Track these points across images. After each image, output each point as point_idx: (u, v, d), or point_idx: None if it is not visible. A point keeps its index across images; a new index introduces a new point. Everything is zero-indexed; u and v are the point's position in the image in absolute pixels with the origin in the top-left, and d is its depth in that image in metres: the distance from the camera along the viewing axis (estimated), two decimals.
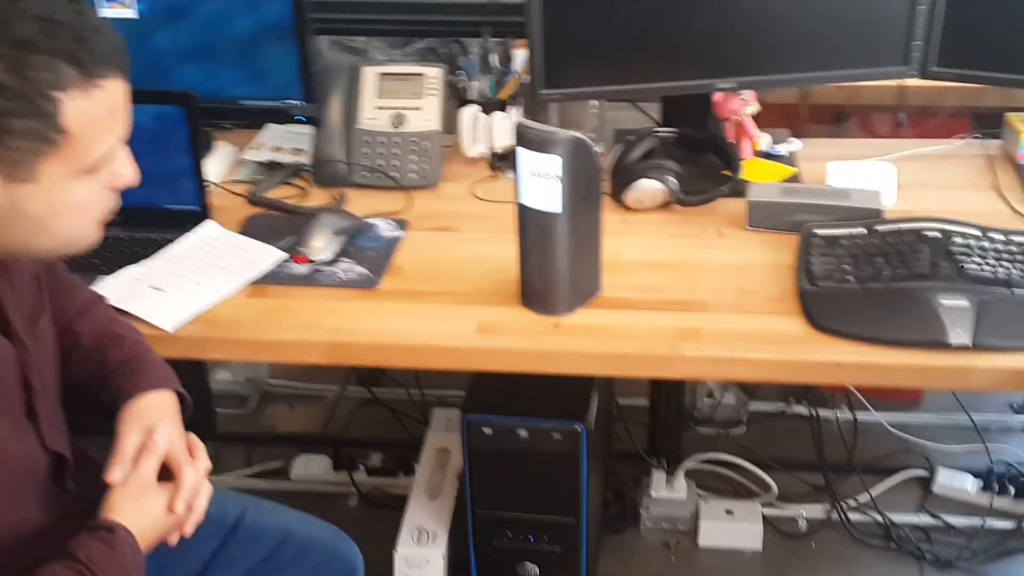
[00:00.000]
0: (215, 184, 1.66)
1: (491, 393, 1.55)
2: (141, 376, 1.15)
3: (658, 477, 2.03)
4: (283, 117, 1.65)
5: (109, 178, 0.97)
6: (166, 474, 1.08)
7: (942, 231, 1.39)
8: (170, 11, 1.58)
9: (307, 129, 1.68)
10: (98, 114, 0.91)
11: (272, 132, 1.79)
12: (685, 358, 1.26)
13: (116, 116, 0.94)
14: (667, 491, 2.01)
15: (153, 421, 1.10)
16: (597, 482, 1.74)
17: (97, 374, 1.17)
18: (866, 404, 2.16)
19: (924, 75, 1.58)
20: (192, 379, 2.24)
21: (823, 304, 1.31)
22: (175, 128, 1.47)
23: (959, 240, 1.37)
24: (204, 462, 1.11)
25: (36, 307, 1.10)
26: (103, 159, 0.94)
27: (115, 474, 1.04)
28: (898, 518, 2.00)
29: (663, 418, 2.10)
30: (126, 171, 0.99)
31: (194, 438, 1.13)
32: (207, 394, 2.31)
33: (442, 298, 1.38)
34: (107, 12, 1.58)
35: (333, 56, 1.87)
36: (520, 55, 1.70)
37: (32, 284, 1.10)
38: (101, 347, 1.19)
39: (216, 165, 1.70)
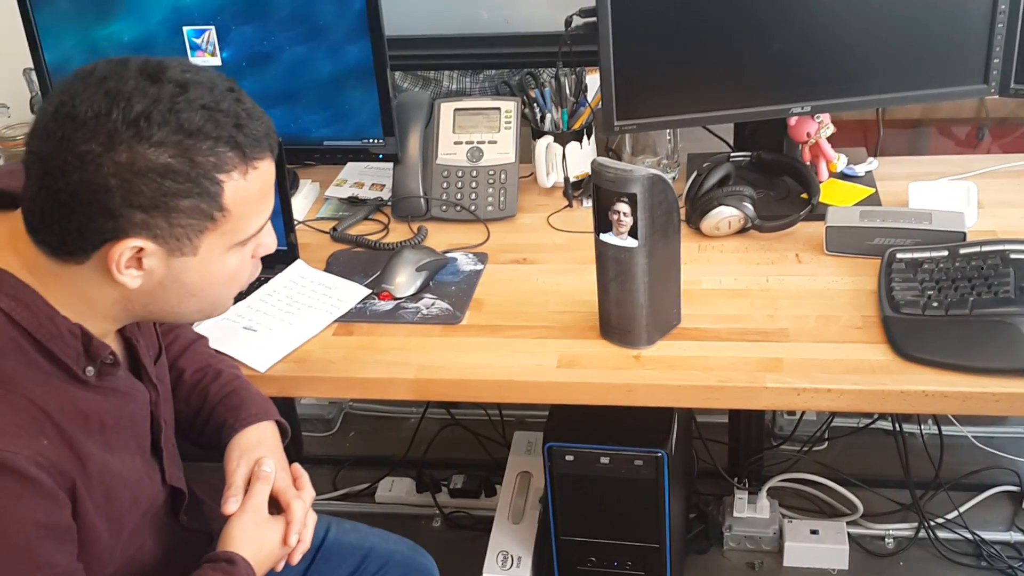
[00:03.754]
0: (299, 222, 1.71)
1: (572, 420, 1.57)
2: (243, 410, 1.22)
3: (740, 497, 2.02)
4: (365, 155, 1.69)
5: (255, 248, 1.04)
6: (273, 505, 1.13)
7: None
8: (253, 58, 1.63)
9: (387, 164, 1.71)
10: (253, 193, 0.97)
11: (352, 168, 1.84)
12: (768, 390, 1.27)
13: (267, 194, 1.00)
14: (750, 511, 2.01)
15: (258, 454, 1.16)
16: (679, 504, 1.74)
17: (200, 409, 1.24)
18: (951, 418, 2.13)
19: (1004, 93, 1.55)
20: (280, 404, 2.30)
21: (907, 331, 1.30)
22: None
23: None
24: (309, 492, 1.17)
25: (155, 350, 1.16)
26: (256, 233, 1.01)
27: (231, 506, 1.10)
28: (988, 535, 1.97)
29: (743, 436, 2.09)
30: (269, 240, 1.05)
31: (298, 468, 1.19)
32: (294, 418, 2.38)
33: (523, 332, 1.40)
34: (194, 62, 1.63)
35: (411, 93, 1.91)
36: (594, 81, 1.71)
37: (152, 329, 1.17)
38: (203, 383, 1.25)
39: (301, 202, 1.76)
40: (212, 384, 1.25)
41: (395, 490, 2.22)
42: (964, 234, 1.45)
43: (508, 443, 2.00)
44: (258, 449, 1.17)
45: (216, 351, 1.35)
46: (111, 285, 0.95)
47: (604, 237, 1.30)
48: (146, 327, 1.14)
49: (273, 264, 1.55)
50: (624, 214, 1.26)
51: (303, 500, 1.14)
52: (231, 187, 0.94)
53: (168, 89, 0.91)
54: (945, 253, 1.41)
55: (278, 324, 1.43)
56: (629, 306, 1.32)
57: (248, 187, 0.95)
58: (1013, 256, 1.36)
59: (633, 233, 1.27)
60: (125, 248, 0.92)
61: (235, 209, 0.95)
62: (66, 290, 0.96)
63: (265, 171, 0.98)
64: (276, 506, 1.14)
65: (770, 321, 1.37)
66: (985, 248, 1.39)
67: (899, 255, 1.43)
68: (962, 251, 1.40)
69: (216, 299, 1.03)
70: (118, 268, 0.93)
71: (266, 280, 1.52)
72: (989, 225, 1.53)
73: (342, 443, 2.44)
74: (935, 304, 1.32)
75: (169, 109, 0.90)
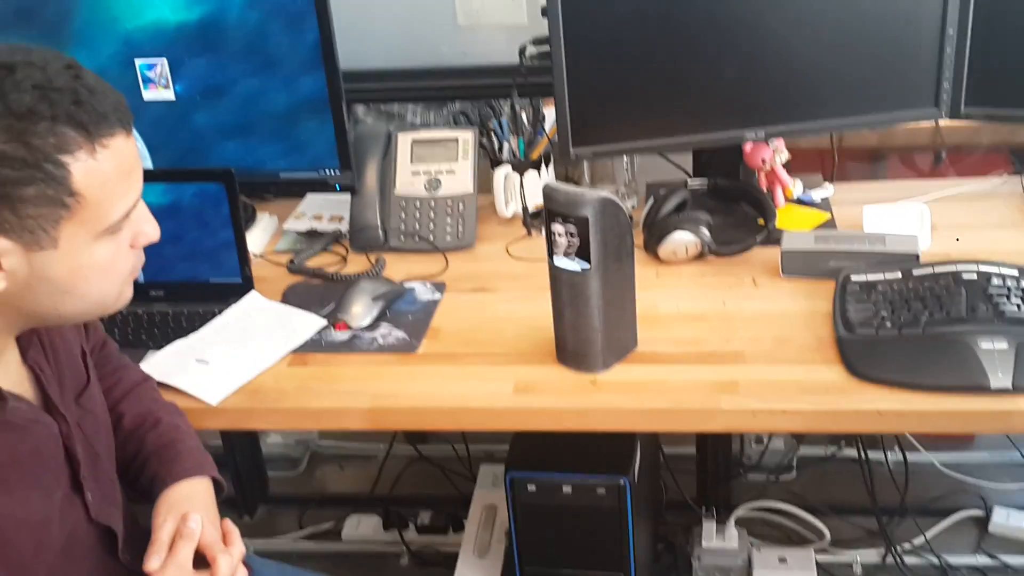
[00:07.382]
0: (257, 255, 1.70)
1: (534, 449, 1.56)
2: (176, 464, 1.18)
3: (708, 526, 2.00)
4: (322, 187, 1.68)
5: (131, 237, 0.99)
6: (203, 562, 1.09)
7: (979, 273, 1.37)
8: (207, 91, 1.62)
9: (346, 196, 1.71)
10: (109, 174, 0.91)
11: (312, 201, 1.83)
12: (724, 411, 1.26)
13: (127, 174, 0.94)
14: (718, 540, 1.98)
15: (186, 509, 1.12)
16: (645, 534, 1.72)
17: (135, 457, 1.21)
18: (916, 445, 2.13)
19: (955, 116, 1.57)
20: (244, 443, 2.28)
21: (861, 351, 1.30)
22: (216, 204, 1.51)
23: (997, 282, 1.35)
24: (238, 547, 1.12)
25: (82, 380, 1.12)
26: (122, 219, 0.95)
27: (153, 563, 1.05)
28: (955, 560, 1.97)
29: (711, 466, 2.08)
30: (147, 228, 1.00)
31: (229, 524, 1.15)
32: (259, 458, 2.35)
33: (479, 359, 1.39)
34: (147, 95, 1.63)
35: (368, 124, 1.91)
36: (551, 113, 1.72)
37: (78, 358, 1.13)
38: (140, 430, 1.22)
39: (258, 236, 1.75)
40: (149, 433, 1.21)
41: (362, 528, 2.19)
42: (917, 256, 1.46)
43: (475, 477, 1.97)
44: (187, 504, 1.13)
45: (166, 387, 1.32)
46: None
47: (558, 261, 1.29)
48: (66, 356, 1.10)
49: (227, 296, 1.54)
50: (564, 234, 1.25)
51: (230, 555, 1.09)
52: (80, 169, 0.89)
53: None
54: (899, 275, 1.41)
55: (231, 356, 1.41)
56: (584, 330, 1.31)
57: (100, 167, 0.90)
58: (965, 276, 1.37)
59: (586, 257, 1.26)
60: None
61: (90, 193, 0.90)
62: None
63: (119, 149, 0.92)
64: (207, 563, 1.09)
65: (726, 344, 1.37)
66: (938, 270, 1.40)
67: (853, 277, 1.43)
68: (915, 273, 1.41)
69: (97, 296, 0.98)
70: None
71: (219, 312, 1.51)
72: (943, 248, 1.54)
73: (309, 482, 2.41)
74: (888, 324, 1.33)
75: None
